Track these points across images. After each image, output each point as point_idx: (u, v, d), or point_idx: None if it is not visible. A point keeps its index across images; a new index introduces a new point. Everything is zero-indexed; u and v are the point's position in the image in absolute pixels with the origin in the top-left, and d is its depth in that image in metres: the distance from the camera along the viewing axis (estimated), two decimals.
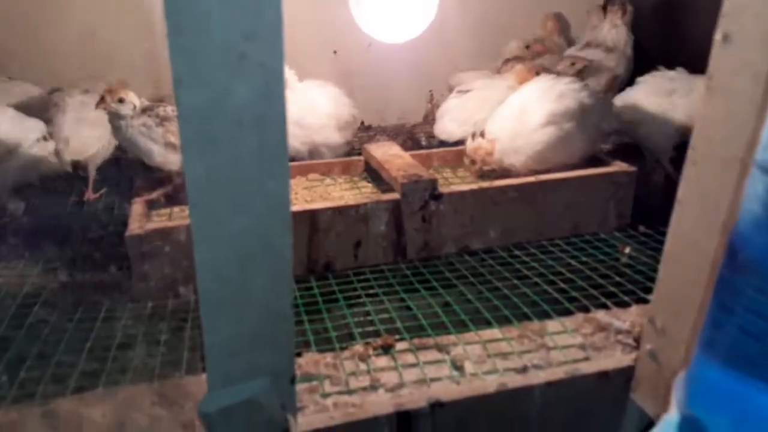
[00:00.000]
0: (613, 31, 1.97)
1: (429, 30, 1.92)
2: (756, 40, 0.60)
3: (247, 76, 0.54)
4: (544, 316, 1.08)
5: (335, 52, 2.13)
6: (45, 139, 1.53)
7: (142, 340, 1.01)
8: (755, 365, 0.50)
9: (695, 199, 0.72)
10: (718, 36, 0.65)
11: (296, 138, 1.69)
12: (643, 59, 1.94)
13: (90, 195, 1.63)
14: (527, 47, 1.88)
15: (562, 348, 0.98)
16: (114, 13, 1.91)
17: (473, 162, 1.53)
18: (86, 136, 1.59)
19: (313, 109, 1.69)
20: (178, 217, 1.37)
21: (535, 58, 1.94)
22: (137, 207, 1.28)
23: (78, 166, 1.62)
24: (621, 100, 1.67)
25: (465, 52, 2.15)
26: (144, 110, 1.38)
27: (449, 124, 1.80)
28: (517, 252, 1.37)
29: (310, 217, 1.25)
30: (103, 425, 0.79)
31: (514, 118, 1.49)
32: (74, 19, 1.91)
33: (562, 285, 1.20)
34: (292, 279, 0.64)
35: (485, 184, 1.39)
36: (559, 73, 1.69)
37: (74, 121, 1.60)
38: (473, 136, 1.53)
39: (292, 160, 1.69)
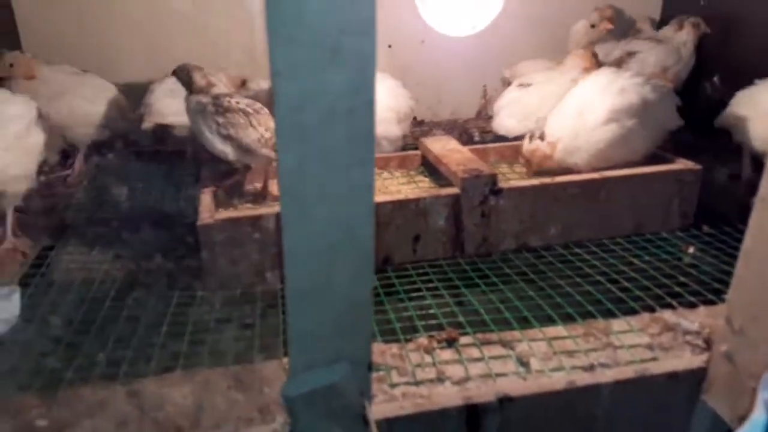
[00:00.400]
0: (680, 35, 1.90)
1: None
2: None
3: (341, 68, 0.55)
4: (609, 314, 1.07)
5: (390, 46, 2.13)
6: None
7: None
8: None
9: None
10: None
11: None
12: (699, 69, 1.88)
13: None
14: (593, 26, 1.84)
15: (629, 347, 0.97)
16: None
17: (528, 163, 1.51)
18: (168, 104, 1.68)
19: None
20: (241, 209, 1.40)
21: (602, 38, 1.90)
22: (206, 197, 1.31)
23: (158, 132, 1.73)
24: (740, 96, 1.60)
25: (519, 47, 2.12)
26: (215, 96, 1.39)
27: (507, 119, 1.76)
28: (577, 250, 1.36)
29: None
30: (184, 406, 0.82)
31: (574, 115, 1.46)
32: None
33: (626, 284, 1.18)
34: (372, 268, 0.66)
35: (546, 179, 1.37)
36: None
37: (163, 93, 1.72)
38: (531, 136, 1.51)
39: None
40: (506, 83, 1.96)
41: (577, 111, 1.47)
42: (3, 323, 0.98)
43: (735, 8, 1.92)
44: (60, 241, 1.39)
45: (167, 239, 1.37)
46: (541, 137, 1.49)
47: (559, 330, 1.02)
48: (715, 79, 1.90)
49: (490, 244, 1.36)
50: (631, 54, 1.85)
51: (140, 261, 1.29)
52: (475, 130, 2.15)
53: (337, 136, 0.57)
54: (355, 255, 0.64)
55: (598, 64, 1.70)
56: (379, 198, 1.29)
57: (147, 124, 1.70)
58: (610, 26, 1.87)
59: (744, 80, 1.60)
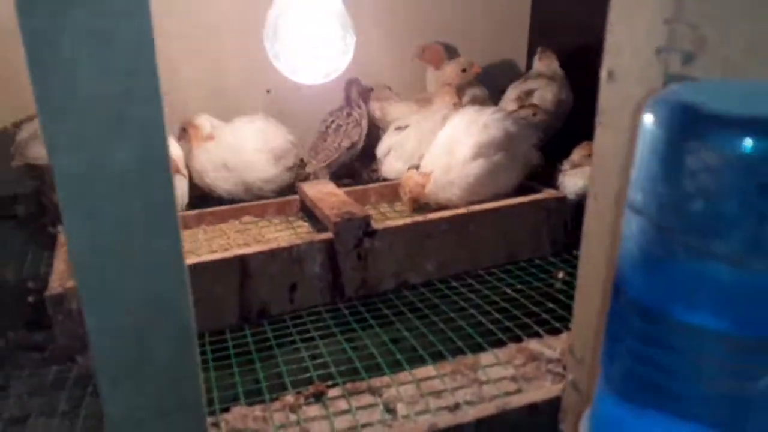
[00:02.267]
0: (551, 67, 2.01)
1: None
2: (634, 76, 0.62)
3: (128, 138, 0.52)
4: (478, 348, 1.08)
5: (269, 91, 2.12)
6: None
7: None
8: (647, 395, 0.50)
9: (596, 231, 0.74)
10: (603, 73, 0.67)
11: (226, 181, 1.68)
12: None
13: None
14: (464, 70, 1.91)
15: (495, 381, 0.98)
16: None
17: (404, 192, 1.54)
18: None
19: (240, 147, 1.68)
20: None
21: (472, 83, 1.98)
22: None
23: None
24: None
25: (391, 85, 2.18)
26: None
27: (395, 162, 1.79)
28: (454, 283, 1.38)
29: (241, 262, 1.22)
30: None
31: (444, 153, 1.51)
32: None
33: (497, 315, 1.21)
34: (195, 340, 0.62)
35: (419, 217, 1.39)
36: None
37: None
38: (409, 168, 1.55)
39: (230, 202, 1.67)
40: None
41: (446, 149, 1.51)
42: None
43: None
44: None
45: None
46: (417, 167, 1.52)
47: (428, 370, 1.02)
48: None
49: (370, 285, 1.36)
50: (529, 93, 1.94)
51: None
52: (364, 170, 2.16)
53: (132, 208, 0.54)
54: (173, 329, 0.60)
55: (461, 99, 1.78)
56: (249, 249, 1.26)
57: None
58: (479, 69, 1.95)
59: None
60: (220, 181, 1.68)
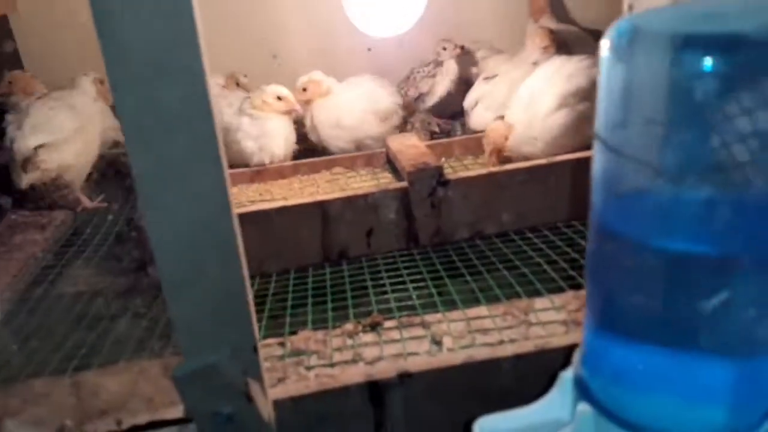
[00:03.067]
0: None
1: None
2: None
3: (172, 82, 0.63)
4: (536, 294, 1.10)
5: (369, 49, 2.20)
6: None
7: None
8: (619, 323, 0.52)
9: None
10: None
11: (339, 139, 1.80)
12: None
13: None
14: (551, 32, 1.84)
15: (545, 324, 1.00)
16: None
17: (488, 143, 1.53)
18: None
19: (351, 108, 1.78)
20: None
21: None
22: None
23: None
24: None
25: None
26: None
27: (484, 113, 1.80)
28: (530, 235, 1.38)
29: (321, 207, 1.33)
30: (116, 393, 0.92)
31: (526, 105, 1.49)
32: None
33: (563, 264, 1.21)
34: (241, 260, 0.73)
35: (495, 168, 1.41)
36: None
37: None
38: (494, 121, 1.55)
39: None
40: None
41: (529, 100, 1.50)
42: None
43: None
44: None
45: None
46: (502, 118, 1.52)
47: (481, 310, 1.06)
48: None
49: (444, 234, 1.41)
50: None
51: None
52: (459, 124, 2.18)
53: (179, 144, 0.65)
54: (219, 249, 0.71)
55: (555, 42, 1.72)
56: (329, 195, 1.37)
57: None
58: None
59: None
60: (333, 139, 1.80)
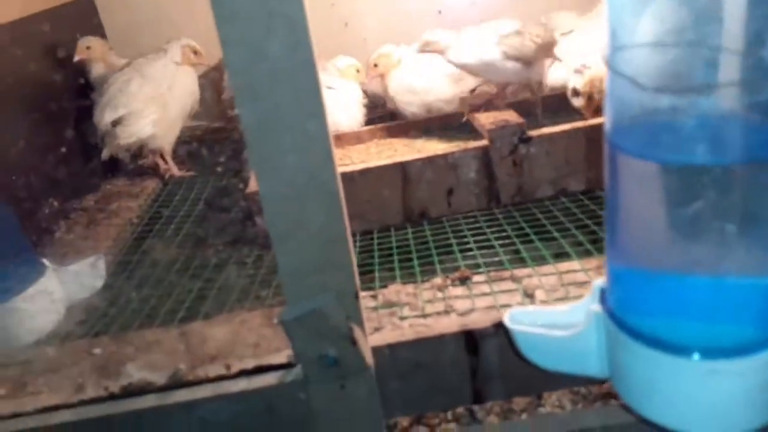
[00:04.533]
0: None
1: None
2: None
3: (276, 34, 0.64)
4: None
5: (440, 12, 2.17)
6: None
7: None
8: (639, 250, 0.51)
9: None
10: None
11: (411, 105, 1.80)
12: None
13: None
14: None
15: None
16: None
17: (591, 99, 1.46)
18: None
19: (421, 72, 1.78)
20: None
21: None
22: None
23: None
24: None
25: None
26: None
27: (564, 70, 1.75)
28: None
29: (401, 168, 1.35)
30: (222, 341, 0.97)
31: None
32: None
33: None
34: (343, 209, 0.75)
35: (579, 123, 1.37)
36: None
37: None
38: (578, 71, 1.47)
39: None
40: None
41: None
42: (87, 290, 1.19)
43: None
44: None
45: None
46: (586, 66, 1.45)
47: (572, 264, 1.05)
48: None
49: (526, 192, 1.39)
50: None
51: None
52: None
53: (284, 95, 0.67)
54: (323, 198, 0.74)
55: None
56: (408, 156, 1.37)
57: None
58: None
59: None
60: (407, 105, 1.81)
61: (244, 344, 0.95)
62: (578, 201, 1.35)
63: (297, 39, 0.65)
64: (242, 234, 1.26)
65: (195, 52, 1.85)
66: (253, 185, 1.35)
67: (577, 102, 1.47)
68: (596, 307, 0.56)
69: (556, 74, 1.73)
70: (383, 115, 1.97)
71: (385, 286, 1.07)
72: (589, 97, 1.45)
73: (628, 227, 0.51)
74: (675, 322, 0.49)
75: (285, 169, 0.71)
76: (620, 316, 0.53)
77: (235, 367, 0.89)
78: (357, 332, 0.79)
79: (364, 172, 1.34)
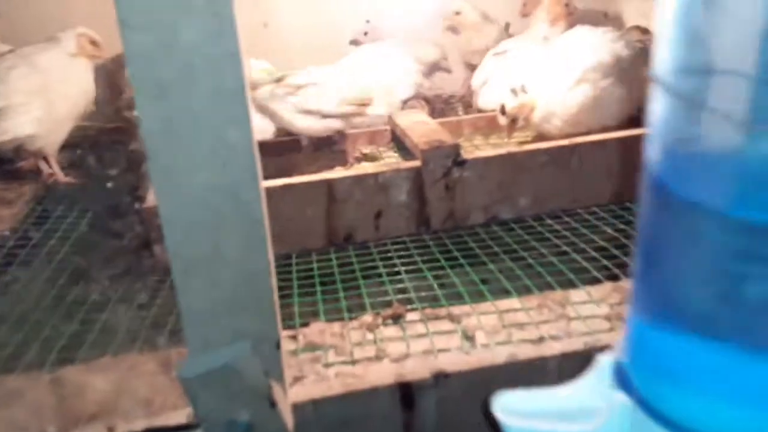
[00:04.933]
0: None
1: None
2: None
3: (192, 15, 0.50)
4: (569, 285, 1.01)
5: (368, 21, 2.06)
6: None
7: None
8: (673, 308, 0.43)
9: None
10: None
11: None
12: None
13: None
14: (566, 5, 1.74)
15: (585, 318, 0.91)
16: None
17: (514, 122, 1.41)
18: None
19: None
20: None
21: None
22: None
23: None
24: None
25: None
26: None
27: (495, 91, 1.69)
28: (549, 221, 1.29)
29: (328, 186, 1.21)
30: (104, 392, 0.79)
31: (546, 79, 1.39)
32: None
33: (593, 253, 1.12)
34: (267, 235, 0.61)
35: (513, 148, 1.31)
36: None
37: None
38: (514, 92, 1.42)
39: None
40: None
41: (548, 74, 1.40)
42: None
43: None
44: None
45: None
46: (524, 89, 1.40)
47: (512, 302, 0.96)
48: None
49: (457, 218, 1.30)
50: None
51: None
52: (460, 104, 2.08)
53: (200, 94, 0.53)
54: (243, 222, 0.59)
55: (568, 13, 1.62)
56: (337, 173, 1.25)
57: None
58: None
59: None
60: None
61: (133, 397, 0.78)
62: (510, 230, 1.28)
63: (220, 25, 0.51)
64: (135, 265, 1.05)
65: (93, 43, 1.62)
66: (151, 201, 1.16)
67: (502, 120, 1.42)
68: (620, 396, 0.45)
69: (488, 97, 1.68)
70: None
71: (306, 324, 0.93)
72: (513, 120, 1.40)
73: (673, 281, 0.41)
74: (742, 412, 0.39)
75: (195, 187, 0.56)
76: (656, 403, 0.42)
77: (121, 429, 0.72)
78: (277, 391, 0.65)
79: (287, 188, 1.19)
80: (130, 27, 0.49)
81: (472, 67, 2.11)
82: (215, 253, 0.59)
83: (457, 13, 1.95)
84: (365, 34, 1.91)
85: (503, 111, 1.39)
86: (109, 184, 1.42)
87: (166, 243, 0.58)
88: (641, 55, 1.41)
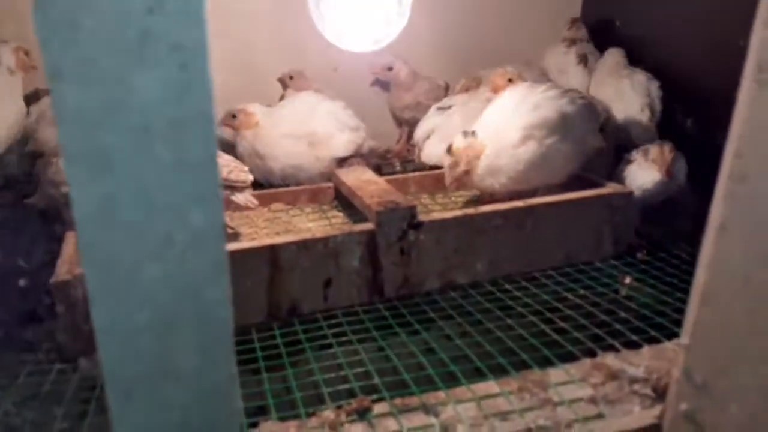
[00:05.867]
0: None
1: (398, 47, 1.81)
2: None
3: (154, 64, 0.38)
4: (545, 362, 0.93)
5: (335, 69, 1.96)
6: None
7: None
8: None
9: (738, 220, 0.58)
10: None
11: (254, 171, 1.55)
12: None
13: None
14: (510, 80, 1.74)
15: (570, 403, 0.83)
16: None
17: (456, 163, 1.34)
18: None
19: (275, 135, 1.57)
20: None
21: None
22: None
23: None
24: None
25: (435, 73, 2.02)
26: None
27: (439, 145, 1.63)
28: (507, 286, 1.22)
29: (271, 253, 1.08)
30: None
31: (490, 135, 1.34)
32: None
33: (561, 323, 1.06)
34: (231, 343, 0.48)
35: (470, 210, 1.24)
36: None
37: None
38: (464, 134, 1.35)
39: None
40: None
41: (493, 130, 1.35)
42: None
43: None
44: None
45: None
46: (474, 133, 1.34)
47: (490, 386, 0.87)
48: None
49: (412, 284, 1.21)
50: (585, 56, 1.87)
51: None
52: (396, 159, 2.02)
53: (157, 165, 0.40)
54: (203, 327, 0.46)
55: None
56: (281, 238, 1.12)
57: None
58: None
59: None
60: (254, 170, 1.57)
61: None
62: (468, 296, 1.20)
63: (189, 79, 0.39)
64: (51, 387, 0.82)
65: (27, 54, 1.50)
66: (64, 274, 0.98)
67: (446, 160, 1.35)
68: None
69: (432, 150, 1.62)
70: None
71: (255, 425, 0.78)
72: (455, 163, 1.33)
73: None
74: None
75: (143, 284, 0.43)
76: None
77: None
78: None
79: None
80: (64, 80, 0.37)
81: (400, 122, 2.08)
82: (165, 368, 0.46)
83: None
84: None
85: (449, 150, 1.33)
86: (23, 263, 1.14)
87: (99, 356, 0.44)
88: (586, 110, 1.41)
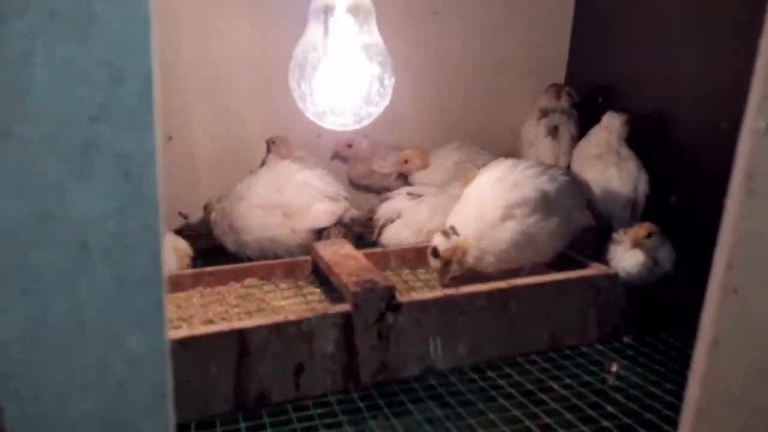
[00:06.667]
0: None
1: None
2: None
3: (96, 174, 0.34)
4: None
5: (319, 135, 1.94)
6: None
7: None
8: None
9: (739, 338, 0.54)
10: (754, 126, 0.50)
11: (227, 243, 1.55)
12: None
13: None
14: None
15: None
16: None
17: (447, 264, 1.31)
18: None
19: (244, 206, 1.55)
20: None
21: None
22: None
23: None
24: None
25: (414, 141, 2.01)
26: None
27: (403, 230, 1.60)
28: (490, 373, 1.16)
29: (239, 337, 1.02)
30: None
31: (473, 215, 1.32)
32: None
33: (546, 419, 1.00)
34: None
35: (451, 291, 1.19)
36: None
37: None
38: (445, 233, 1.32)
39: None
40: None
41: (475, 212, 1.33)
42: None
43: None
44: None
45: None
46: (455, 231, 1.31)
47: None
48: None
49: (390, 370, 1.14)
50: (556, 128, 1.83)
51: None
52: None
53: (95, 283, 0.35)
54: None
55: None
56: (249, 322, 1.06)
57: None
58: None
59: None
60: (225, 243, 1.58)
61: None
62: (449, 384, 1.13)
63: (133, 191, 0.35)
64: None
65: None
66: None
67: (434, 263, 1.32)
68: None
69: (394, 235, 1.58)
70: (207, 248, 1.64)
71: None
72: (447, 263, 1.30)
73: None
74: None
75: (72, 419, 0.37)
76: None
77: None
78: None
79: (187, 342, 0.98)
80: None
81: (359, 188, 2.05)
82: None
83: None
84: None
85: (436, 254, 1.29)
86: None
87: None
88: (569, 187, 1.38)
